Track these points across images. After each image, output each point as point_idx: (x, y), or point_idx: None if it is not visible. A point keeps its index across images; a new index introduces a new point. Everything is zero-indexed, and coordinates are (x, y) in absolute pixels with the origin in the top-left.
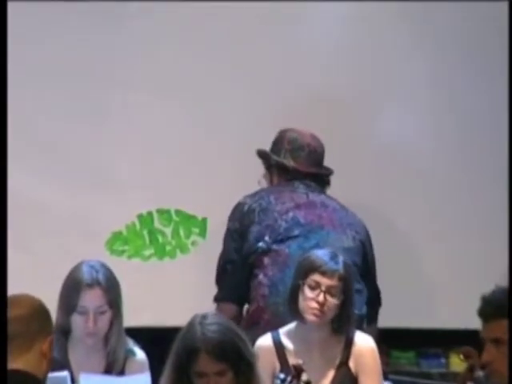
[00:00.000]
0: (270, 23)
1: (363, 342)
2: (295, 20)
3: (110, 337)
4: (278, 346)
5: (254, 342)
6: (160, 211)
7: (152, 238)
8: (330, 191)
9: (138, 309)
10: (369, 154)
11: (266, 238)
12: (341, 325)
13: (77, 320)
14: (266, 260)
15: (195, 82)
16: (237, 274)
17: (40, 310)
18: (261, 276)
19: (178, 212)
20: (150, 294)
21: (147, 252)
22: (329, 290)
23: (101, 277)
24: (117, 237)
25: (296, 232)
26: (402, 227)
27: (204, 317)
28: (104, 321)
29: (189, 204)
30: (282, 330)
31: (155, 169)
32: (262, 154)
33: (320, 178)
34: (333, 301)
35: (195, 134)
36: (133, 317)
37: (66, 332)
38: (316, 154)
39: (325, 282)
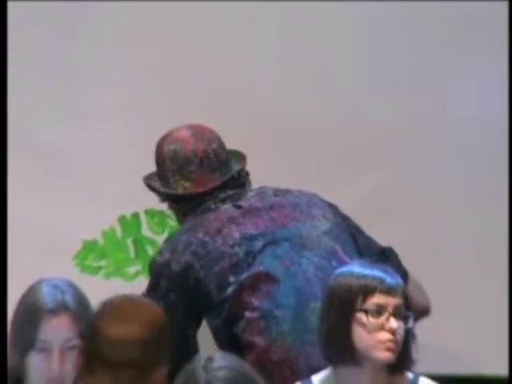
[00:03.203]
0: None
1: None
2: None
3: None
4: None
5: None
6: (150, 213)
7: (139, 249)
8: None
9: None
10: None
11: (232, 280)
12: (404, 360)
13: (36, 360)
14: (245, 296)
15: (185, 73)
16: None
17: (161, 329)
18: (247, 313)
19: None
20: None
21: (132, 269)
22: (396, 312)
23: (68, 299)
24: (90, 248)
25: (258, 245)
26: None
27: (209, 359)
28: (73, 359)
29: None
30: (317, 378)
31: (142, 156)
32: (148, 186)
33: (234, 180)
34: (403, 325)
35: (195, 114)
36: None
37: (18, 380)
38: (210, 157)
39: (391, 301)
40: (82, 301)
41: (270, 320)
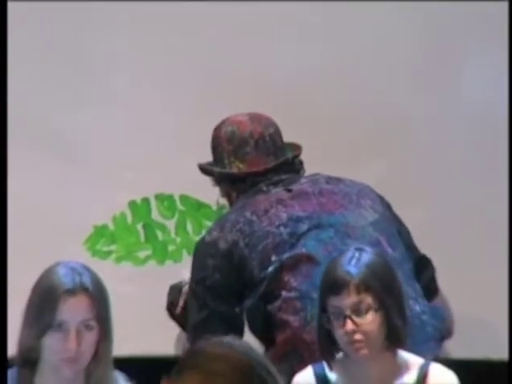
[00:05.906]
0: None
1: (441, 377)
2: None
3: (95, 367)
4: (323, 383)
5: (289, 375)
6: (160, 197)
7: (149, 233)
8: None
9: (129, 331)
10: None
11: (274, 259)
12: (391, 338)
13: (52, 340)
14: (284, 275)
15: (192, 62)
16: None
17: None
18: (284, 293)
19: (184, 198)
20: (147, 310)
21: (142, 253)
22: (355, 310)
23: (86, 280)
24: (101, 232)
25: (304, 228)
26: None
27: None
28: (90, 341)
29: (199, 188)
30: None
31: (152, 140)
32: (203, 170)
33: (289, 165)
34: (367, 321)
35: (208, 95)
36: (122, 342)
37: (31, 361)
38: (265, 140)
39: (343, 303)
40: (98, 282)
41: (306, 301)
